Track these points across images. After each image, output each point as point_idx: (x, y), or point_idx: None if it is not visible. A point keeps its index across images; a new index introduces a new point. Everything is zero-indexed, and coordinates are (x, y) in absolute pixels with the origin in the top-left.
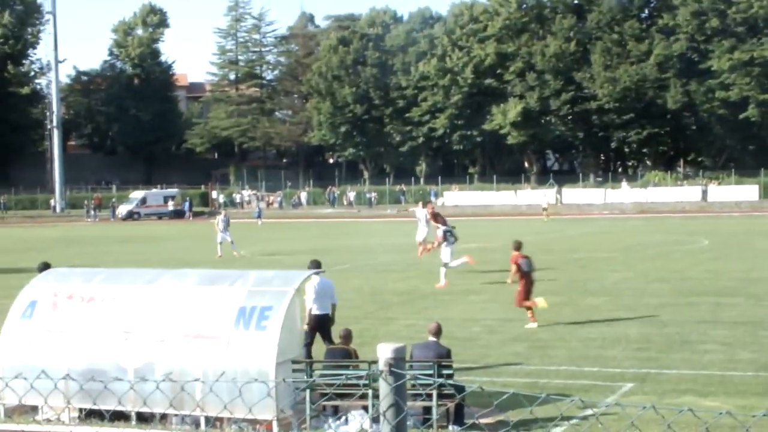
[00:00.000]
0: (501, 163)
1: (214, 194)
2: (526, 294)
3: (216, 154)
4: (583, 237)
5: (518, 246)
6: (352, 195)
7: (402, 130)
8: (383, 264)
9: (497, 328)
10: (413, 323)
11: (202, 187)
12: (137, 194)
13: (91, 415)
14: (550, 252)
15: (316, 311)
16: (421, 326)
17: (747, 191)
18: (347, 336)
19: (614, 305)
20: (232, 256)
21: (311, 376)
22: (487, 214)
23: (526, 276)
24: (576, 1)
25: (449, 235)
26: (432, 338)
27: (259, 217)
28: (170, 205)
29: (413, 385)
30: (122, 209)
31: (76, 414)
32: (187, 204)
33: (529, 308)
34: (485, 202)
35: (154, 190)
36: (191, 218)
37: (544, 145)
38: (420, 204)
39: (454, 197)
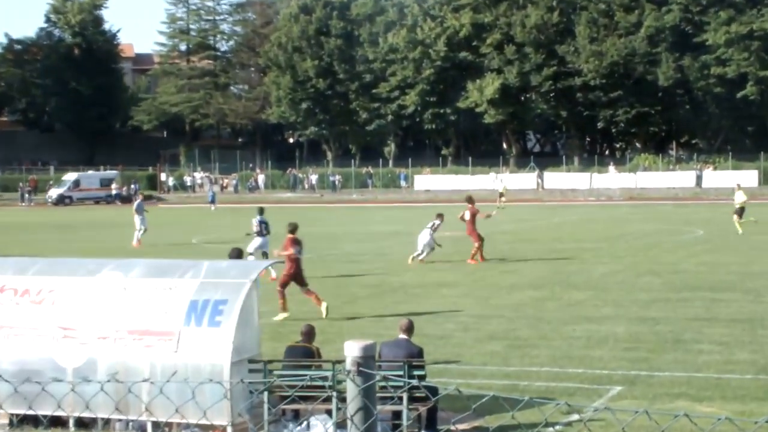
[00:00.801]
0: (477, 145)
1: (162, 176)
2: (290, 279)
3: (165, 133)
4: (567, 225)
5: (293, 229)
6: (314, 178)
7: (369, 107)
8: (349, 254)
9: (472, 325)
10: (382, 319)
11: (150, 168)
12: (70, 176)
13: (25, 421)
14: (532, 241)
15: None
16: (391, 322)
17: (745, 176)
18: (309, 333)
19: (601, 300)
20: (148, 246)
21: (270, 377)
22: (462, 200)
23: (296, 262)
24: None
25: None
26: (403, 336)
27: (212, 201)
28: (113, 189)
29: (382, 387)
30: (53, 193)
31: (6, 421)
32: (135, 187)
33: (283, 297)
34: (459, 187)
35: (89, 171)
36: (119, 202)
37: (524, 125)
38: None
39: (425, 181)
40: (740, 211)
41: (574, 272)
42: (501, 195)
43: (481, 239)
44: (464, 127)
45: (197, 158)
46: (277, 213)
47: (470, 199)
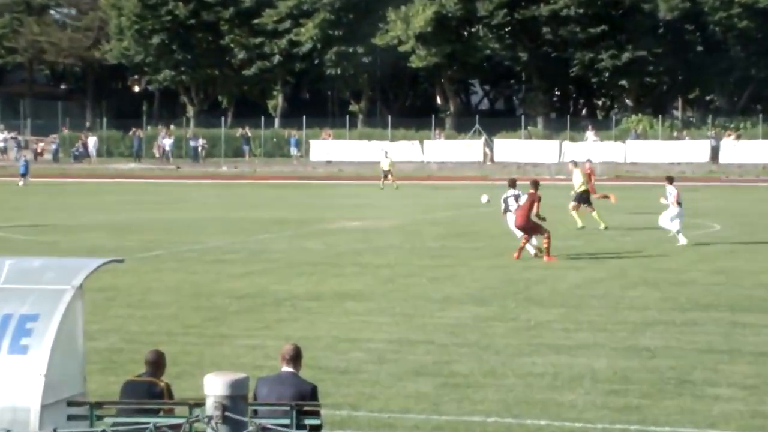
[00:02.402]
0: (400, 99)
1: None
2: None
3: None
4: None
5: None
6: (167, 142)
7: (248, 43)
8: (215, 250)
9: (389, 355)
10: (260, 344)
11: None
12: None
13: None
14: (473, 236)
15: None
16: (272, 349)
17: None
18: (157, 362)
19: (573, 321)
20: None
21: (99, 425)
22: (375, 177)
23: None
24: None
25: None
26: (287, 368)
27: (24, 174)
28: None
29: None
30: None
31: None
32: None
33: None
34: (372, 157)
35: None
36: None
37: (466, 71)
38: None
39: (325, 149)
40: None
41: (535, 280)
42: (386, 172)
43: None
44: (382, 73)
45: None
46: (114, 191)
47: (535, 185)
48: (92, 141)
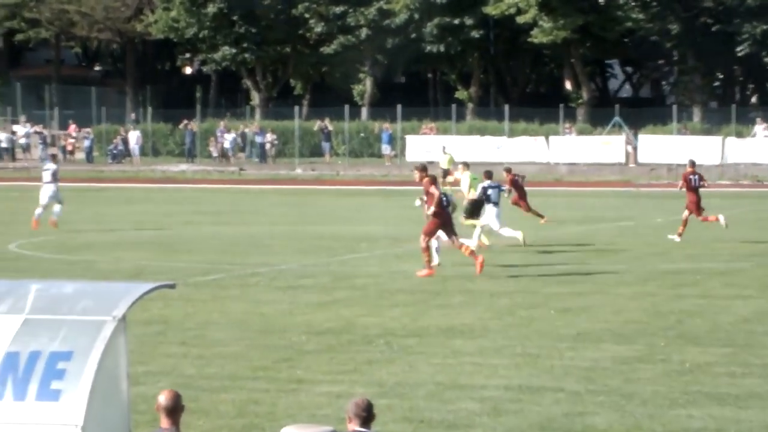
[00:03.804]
0: (519, 84)
1: None
2: None
3: None
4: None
5: None
6: (227, 139)
7: (327, 13)
8: (287, 274)
9: (509, 405)
10: (345, 390)
11: None
12: None
13: None
14: (617, 255)
15: None
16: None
17: None
18: (175, 408)
19: (741, 364)
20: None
21: None
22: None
23: None
24: None
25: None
26: (357, 429)
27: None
28: None
29: None
30: None
31: None
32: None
33: None
34: (488, 157)
35: None
36: None
37: (603, 50)
38: None
39: (423, 146)
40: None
41: (691, 312)
42: (446, 173)
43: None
44: (497, 51)
45: (19, 100)
46: (164, 198)
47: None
48: (134, 136)
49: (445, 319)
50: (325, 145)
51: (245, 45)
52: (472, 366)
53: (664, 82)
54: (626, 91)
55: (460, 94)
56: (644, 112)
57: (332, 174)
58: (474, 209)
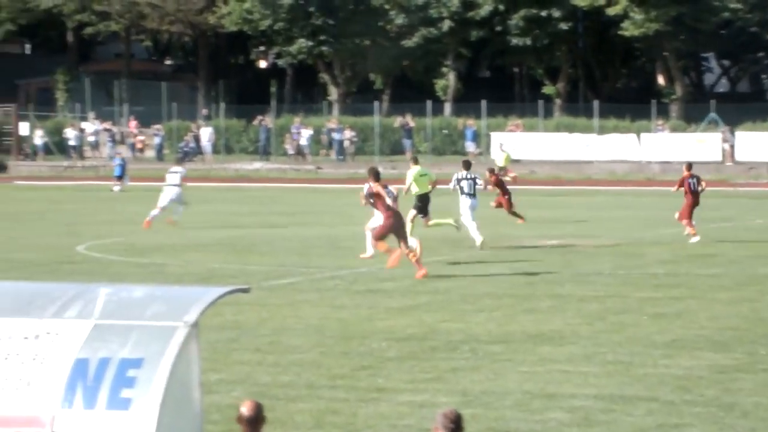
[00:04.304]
0: (610, 79)
1: (23, 128)
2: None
3: (28, 46)
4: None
5: None
6: (304, 135)
7: (408, 5)
8: (367, 277)
9: (600, 416)
10: (428, 400)
11: None
12: None
13: None
14: (714, 259)
15: None
16: (445, 407)
17: None
18: (256, 419)
19: None
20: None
21: None
22: (578, 181)
23: None
24: None
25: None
26: None
27: (120, 177)
28: None
29: None
30: None
31: None
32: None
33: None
34: (577, 155)
35: None
36: None
37: (698, 42)
38: None
39: (512, 143)
40: None
41: None
42: (500, 169)
43: None
44: (585, 44)
45: (88, 95)
46: (232, 199)
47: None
48: (206, 133)
49: (533, 324)
50: (407, 142)
51: (322, 37)
52: (561, 374)
53: (764, 76)
54: (723, 86)
55: (548, 89)
56: (742, 107)
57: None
58: (423, 205)
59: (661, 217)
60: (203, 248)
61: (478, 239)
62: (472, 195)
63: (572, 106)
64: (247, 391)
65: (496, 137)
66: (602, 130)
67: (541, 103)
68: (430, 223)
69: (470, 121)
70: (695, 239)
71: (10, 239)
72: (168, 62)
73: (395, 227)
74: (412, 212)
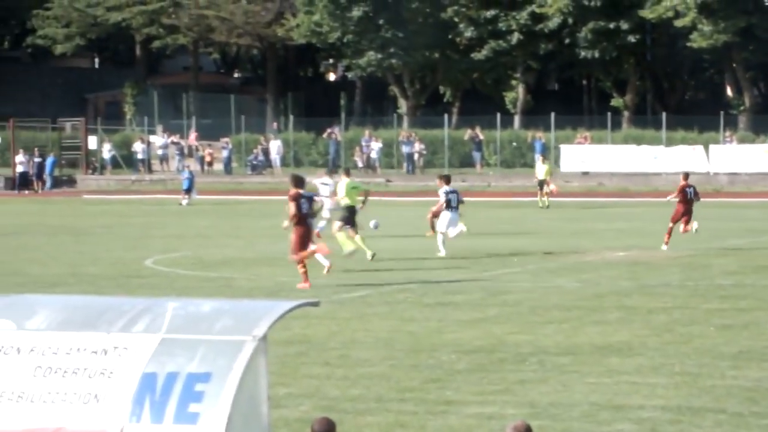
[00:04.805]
0: (678, 91)
1: (92, 141)
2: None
3: (97, 60)
4: None
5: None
6: (374, 147)
7: (477, 17)
8: (436, 290)
9: (667, 427)
10: (497, 412)
11: (67, 126)
12: None
13: None
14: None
15: None
16: (514, 419)
17: None
18: None
19: None
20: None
21: None
22: (647, 193)
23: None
24: None
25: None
26: None
27: (188, 190)
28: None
29: None
30: None
31: None
32: (50, 162)
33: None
34: (645, 167)
35: None
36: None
37: (766, 53)
38: None
39: (578, 155)
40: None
41: None
42: (543, 185)
43: None
44: (654, 56)
45: (156, 108)
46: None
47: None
48: (275, 146)
49: (601, 336)
50: (476, 155)
51: (392, 50)
52: (629, 385)
53: None
54: None
55: (616, 101)
56: None
57: (483, 185)
58: (350, 216)
59: (728, 228)
60: (272, 262)
61: (442, 252)
62: (455, 209)
63: (640, 118)
64: (315, 405)
65: (565, 149)
66: (670, 142)
67: (609, 115)
68: (345, 235)
69: (539, 134)
70: (664, 248)
71: (79, 253)
72: (236, 75)
73: (304, 236)
74: (338, 224)
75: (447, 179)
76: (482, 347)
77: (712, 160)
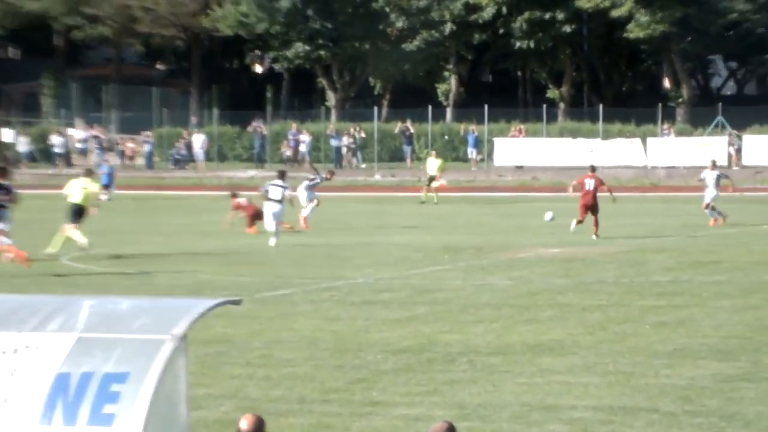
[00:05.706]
0: (614, 82)
1: (6, 134)
2: None
3: (15, 52)
4: None
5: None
6: (304, 141)
7: (408, 7)
8: (363, 288)
9: (600, 427)
10: (424, 413)
11: None
12: None
13: None
14: (718, 266)
15: None
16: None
17: None
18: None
19: None
20: None
21: None
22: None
23: None
24: None
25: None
26: None
27: (107, 185)
28: None
29: None
30: None
31: None
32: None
33: None
34: (581, 160)
35: None
36: None
37: (705, 44)
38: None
39: (512, 149)
40: None
41: None
42: (432, 180)
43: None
44: (590, 47)
45: (75, 101)
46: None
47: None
48: (198, 140)
49: (533, 335)
50: (407, 149)
51: (320, 41)
52: (561, 385)
53: None
54: (730, 89)
55: (551, 93)
56: (749, 110)
57: (413, 180)
58: (78, 213)
59: (665, 224)
60: (194, 259)
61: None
62: (279, 201)
63: (576, 110)
64: (236, 406)
65: (498, 143)
66: (607, 135)
67: (544, 107)
68: (69, 233)
69: (472, 127)
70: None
71: None
72: (159, 67)
73: None
74: (69, 224)
75: (282, 174)
76: (410, 347)
77: (650, 153)
